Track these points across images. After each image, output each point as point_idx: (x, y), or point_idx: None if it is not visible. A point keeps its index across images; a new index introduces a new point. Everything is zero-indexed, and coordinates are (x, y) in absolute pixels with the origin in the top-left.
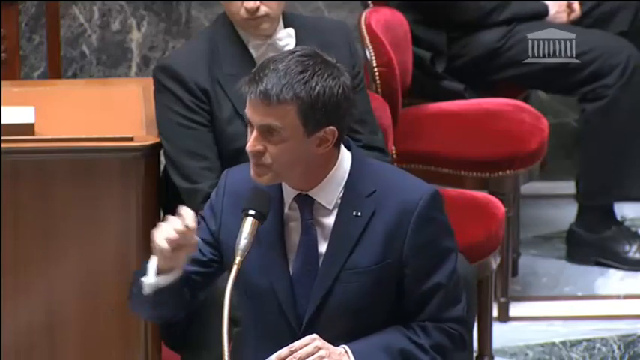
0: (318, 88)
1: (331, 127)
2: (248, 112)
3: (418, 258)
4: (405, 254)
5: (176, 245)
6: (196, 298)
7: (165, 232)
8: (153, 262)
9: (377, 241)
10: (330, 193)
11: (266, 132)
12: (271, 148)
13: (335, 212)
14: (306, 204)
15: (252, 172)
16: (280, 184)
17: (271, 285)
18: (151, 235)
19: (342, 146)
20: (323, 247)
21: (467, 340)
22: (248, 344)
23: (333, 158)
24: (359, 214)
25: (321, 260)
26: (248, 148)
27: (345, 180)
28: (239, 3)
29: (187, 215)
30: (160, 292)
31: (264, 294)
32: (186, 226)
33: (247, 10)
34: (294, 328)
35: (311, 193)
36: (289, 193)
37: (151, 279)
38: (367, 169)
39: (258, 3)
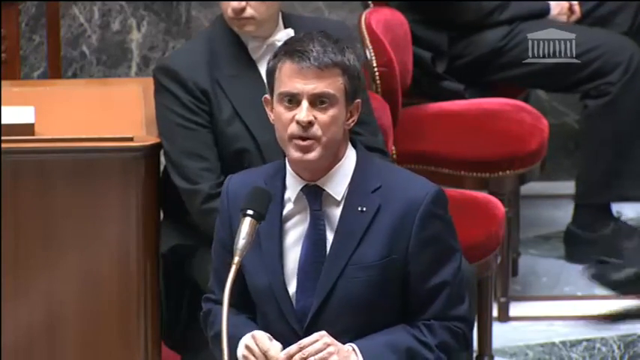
0: (352, 57)
1: (358, 100)
2: (296, 85)
3: (423, 254)
4: (409, 250)
5: None
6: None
7: None
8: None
9: (382, 236)
10: (338, 183)
11: (317, 100)
12: (321, 118)
13: (342, 205)
14: (315, 194)
15: (297, 153)
16: (283, 179)
17: (269, 284)
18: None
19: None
20: (329, 240)
21: (469, 339)
22: None
23: (343, 147)
24: (364, 209)
25: (327, 254)
26: (303, 118)
27: (352, 173)
28: (227, 2)
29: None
30: None
31: (264, 293)
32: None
33: (233, 10)
34: (295, 328)
35: (320, 183)
36: (295, 185)
37: None
38: (371, 165)
39: (243, 4)
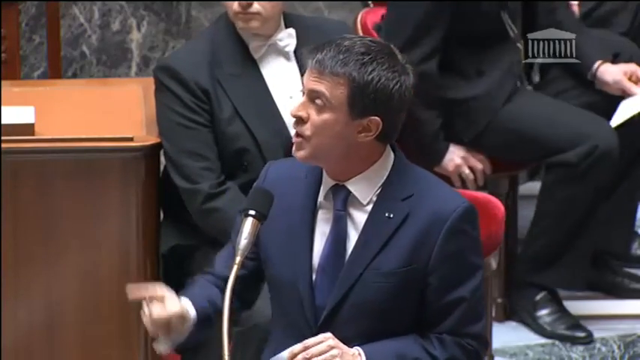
0: (373, 74)
1: (376, 118)
2: (304, 79)
3: (444, 268)
4: (431, 263)
5: (163, 328)
6: (247, 300)
7: (148, 326)
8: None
9: (405, 245)
10: (366, 188)
11: (313, 99)
12: (314, 117)
13: (369, 209)
14: (341, 195)
15: (293, 149)
16: (321, 173)
17: (294, 276)
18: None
19: (389, 146)
20: (352, 242)
21: (482, 358)
22: (274, 334)
23: (375, 153)
24: (391, 215)
25: (347, 255)
26: (292, 111)
27: (384, 179)
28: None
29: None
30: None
31: (286, 285)
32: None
33: (240, 4)
34: (311, 324)
35: (348, 184)
36: (327, 183)
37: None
38: (408, 172)
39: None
